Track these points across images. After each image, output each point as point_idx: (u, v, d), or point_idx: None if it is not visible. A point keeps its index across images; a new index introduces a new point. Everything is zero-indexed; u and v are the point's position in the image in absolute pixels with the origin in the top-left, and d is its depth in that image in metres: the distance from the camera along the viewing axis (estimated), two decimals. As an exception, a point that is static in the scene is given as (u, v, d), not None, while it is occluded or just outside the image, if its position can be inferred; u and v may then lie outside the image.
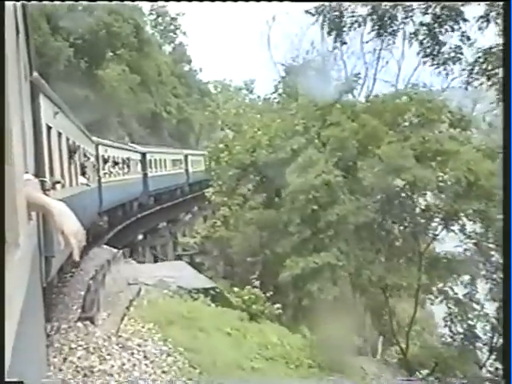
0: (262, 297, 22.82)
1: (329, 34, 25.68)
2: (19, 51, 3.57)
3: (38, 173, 9.23)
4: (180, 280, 20.65)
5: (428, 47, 23.27)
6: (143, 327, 15.01)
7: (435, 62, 23.39)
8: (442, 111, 32.11)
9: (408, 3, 23.32)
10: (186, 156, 52.02)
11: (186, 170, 51.24)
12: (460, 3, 22.29)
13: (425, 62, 24.32)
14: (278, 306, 24.62)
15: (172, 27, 77.04)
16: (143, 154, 38.92)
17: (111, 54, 51.41)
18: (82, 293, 16.29)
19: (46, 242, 10.26)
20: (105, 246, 25.33)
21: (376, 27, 24.23)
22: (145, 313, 16.14)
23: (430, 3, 22.43)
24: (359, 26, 24.92)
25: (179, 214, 49.41)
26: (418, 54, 24.69)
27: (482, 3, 21.79)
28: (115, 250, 24.75)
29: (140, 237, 38.15)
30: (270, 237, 33.06)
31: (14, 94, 2.69)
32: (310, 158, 30.77)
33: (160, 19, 76.16)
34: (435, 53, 23.04)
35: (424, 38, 23.28)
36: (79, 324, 13.91)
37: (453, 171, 28.29)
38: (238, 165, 35.55)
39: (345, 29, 25.12)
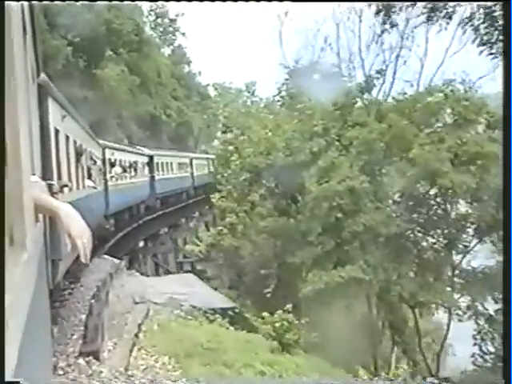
0: (295, 323, 18.39)
1: (376, 14, 24.48)
2: (26, 52, 3.57)
3: (46, 176, 9.23)
4: (193, 298, 18.71)
5: (486, 34, 20.39)
6: (157, 361, 12.84)
7: (493, 51, 20.44)
8: (482, 111, 29.22)
9: None
10: (191, 159, 52.49)
11: (192, 174, 51.30)
12: None
13: (481, 52, 21.32)
14: (315, 334, 22.02)
15: (171, 29, 75.96)
16: (150, 157, 38.95)
17: (111, 52, 50.15)
18: (83, 316, 13.92)
19: (54, 245, 10.26)
20: (105, 256, 22.74)
21: (427, 10, 22.22)
22: (157, 340, 14.07)
23: None
24: (410, 7, 23.45)
25: (185, 217, 49.35)
26: (474, 41, 22.07)
27: None
28: (117, 261, 22.87)
29: (141, 244, 36.83)
30: (286, 247, 30.82)
31: (22, 95, 2.69)
32: (331, 162, 28.90)
33: (159, 20, 75.05)
34: (493, 40, 19.93)
35: (481, 23, 20.58)
36: (81, 361, 11.42)
37: (495, 176, 24.31)
38: (250, 168, 33.26)
39: (394, 9, 23.74)
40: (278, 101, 41.53)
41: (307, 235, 28.55)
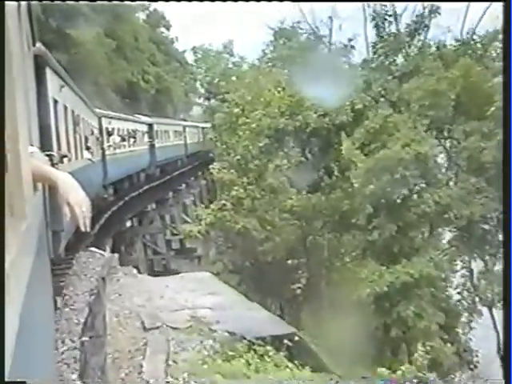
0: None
1: None
2: (21, 20, 3.55)
3: (45, 147, 9.22)
4: (224, 316, 13.44)
5: None
6: None
7: None
8: None
9: None
10: (184, 127, 52.39)
11: (185, 142, 51.40)
12: None
13: None
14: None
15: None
16: (150, 125, 38.94)
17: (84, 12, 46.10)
18: (72, 357, 8.81)
19: (55, 216, 10.27)
20: (93, 250, 17.10)
21: None
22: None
23: None
24: None
25: (184, 183, 48.46)
26: None
27: None
28: (108, 255, 17.82)
29: (128, 223, 33.24)
30: (320, 231, 26.63)
31: (16, 63, 2.67)
32: (384, 121, 23.95)
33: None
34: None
35: None
36: None
37: None
38: (268, 133, 27.68)
39: None
40: (268, 62, 38.46)
41: (352, 218, 23.82)
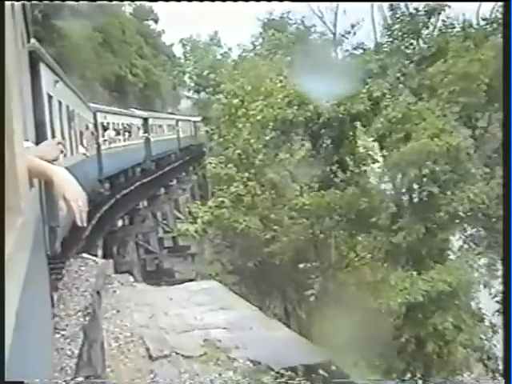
0: None
1: None
2: (15, 17, 3.54)
3: (40, 142, 9.21)
4: (243, 339, 11.42)
5: None
6: None
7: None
8: None
9: None
10: (177, 121, 52.54)
11: (178, 136, 51.54)
12: None
13: None
14: None
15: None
16: (145, 119, 38.96)
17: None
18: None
19: (52, 212, 10.27)
20: (85, 256, 15.20)
21: None
22: None
23: None
24: None
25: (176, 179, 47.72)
26: None
27: None
28: (101, 262, 15.67)
29: (120, 223, 32.26)
30: (333, 231, 24.84)
31: (11, 59, 2.67)
32: (408, 109, 21.81)
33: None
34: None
35: None
36: None
37: None
38: (275, 125, 25.53)
39: None
40: (257, 54, 37.29)
41: (371, 217, 22.17)
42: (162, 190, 41.41)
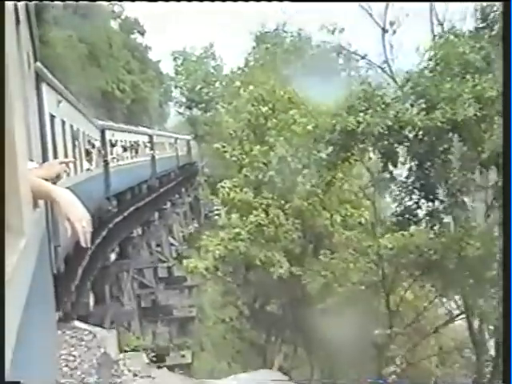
0: None
1: None
2: (20, 39, 3.56)
3: (43, 162, 9.25)
4: None
5: None
6: None
7: None
8: None
9: None
10: (175, 139, 52.53)
11: (177, 154, 51.63)
12: None
13: None
14: None
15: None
16: (150, 136, 39.15)
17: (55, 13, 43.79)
18: None
19: (53, 232, 10.30)
20: (78, 325, 12.15)
21: None
22: None
23: None
24: None
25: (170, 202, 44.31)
26: None
27: None
28: (100, 333, 12.09)
29: (113, 256, 27.41)
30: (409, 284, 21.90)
31: (16, 81, 2.68)
32: None
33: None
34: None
35: None
36: None
37: None
38: (332, 137, 20.62)
39: None
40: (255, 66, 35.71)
41: (482, 269, 19.03)
42: (156, 216, 37.41)
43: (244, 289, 27.21)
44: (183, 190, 51.29)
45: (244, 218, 24.04)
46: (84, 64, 47.99)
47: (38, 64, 11.04)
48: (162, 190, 39.93)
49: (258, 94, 25.37)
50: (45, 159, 10.80)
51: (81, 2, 41.90)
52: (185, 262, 26.52)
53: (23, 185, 2.48)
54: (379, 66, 25.92)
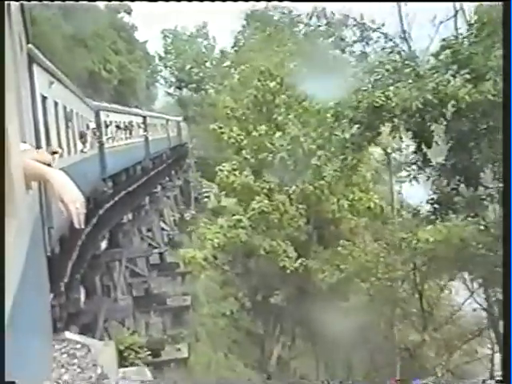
0: None
1: None
2: (11, 20, 3.54)
3: (36, 144, 9.22)
4: None
5: None
6: None
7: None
8: None
9: None
10: (167, 121, 52.26)
11: (168, 135, 51.31)
12: None
13: None
14: None
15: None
16: (143, 118, 39.08)
17: None
18: None
19: (46, 213, 10.29)
20: (70, 336, 9.85)
21: None
22: None
23: None
24: None
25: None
26: None
27: None
28: (95, 346, 9.77)
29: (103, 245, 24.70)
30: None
31: (7, 64, 2.67)
32: None
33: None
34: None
35: None
36: None
37: None
38: (355, 115, 18.36)
39: None
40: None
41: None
42: (147, 200, 35.24)
43: (245, 279, 25.47)
44: (173, 172, 50.44)
45: (243, 204, 22.69)
46: (70, 44, 47.05)
47: (30, 46, 10.97)
48: (154, 171, 39.49)
49: (264, 67, 23.61)
50: (37, 141, 10.77)
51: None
52: (181, 251, 25.36)
53: (14, 165, 2.48)
54: (402, 37, 22.63)
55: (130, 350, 20.86)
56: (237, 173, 23.24)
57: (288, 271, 21.52)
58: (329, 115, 19.23)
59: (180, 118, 57.58)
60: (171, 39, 62.70)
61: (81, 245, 16.91)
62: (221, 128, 26.57)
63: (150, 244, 34.80)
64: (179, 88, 58.72)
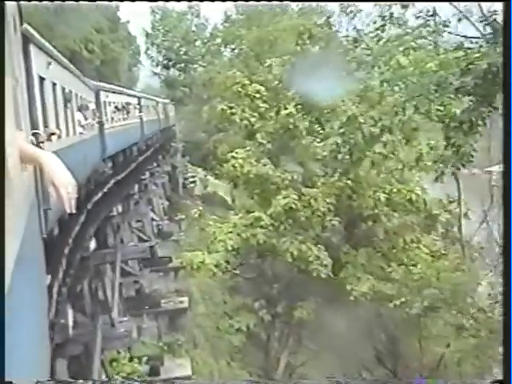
0: None
1: None
2: (4, 3, 3.53)
3: (32, 125, 9.20)
4: None
5: None
6: None
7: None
8: None
9: None
10: (157, 102, 52.06)
11: (158, 117, 51.15)
12: None
13: None
14: None
15: None
16: (138, 99, 39.31)
17: None
18: None
19: (42, 194, 10.31)
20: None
21: None
22: None
23: None
24: None
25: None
26: None
27: None
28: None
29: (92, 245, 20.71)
30: None
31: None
32: None
33: None
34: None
35: None
36: None
37: None
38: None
39: None
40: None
41: None
42: (136, 188, 32.21)
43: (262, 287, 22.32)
44: (160, 157, 48.40)
45: (256, 198, 19.44)
46: (49, 21, 43.42)
47: (24, 25, 10.91)
48: (143, 156, 37.84)
49: (303, 27, 20.82)
50: (34, 123, 10.74)
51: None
52: (188, 255, 21.82)
53: (9, 148, 2.48)
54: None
55: (130, 381, 18.21)
56: (253, 161, 20.07)
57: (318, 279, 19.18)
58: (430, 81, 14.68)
59: (167, 100, 56.94)
60: (160, 15, 60.29)
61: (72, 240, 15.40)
62: (231, 108, 23.56)
63: (139, 237, 31.89)
64: (166, 67, 57.00)
